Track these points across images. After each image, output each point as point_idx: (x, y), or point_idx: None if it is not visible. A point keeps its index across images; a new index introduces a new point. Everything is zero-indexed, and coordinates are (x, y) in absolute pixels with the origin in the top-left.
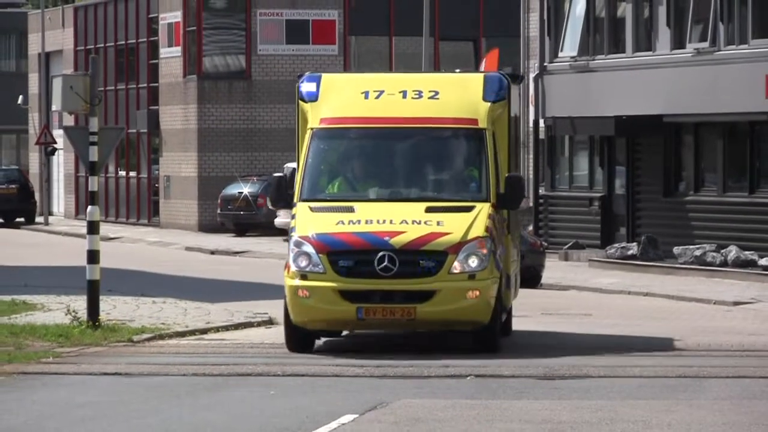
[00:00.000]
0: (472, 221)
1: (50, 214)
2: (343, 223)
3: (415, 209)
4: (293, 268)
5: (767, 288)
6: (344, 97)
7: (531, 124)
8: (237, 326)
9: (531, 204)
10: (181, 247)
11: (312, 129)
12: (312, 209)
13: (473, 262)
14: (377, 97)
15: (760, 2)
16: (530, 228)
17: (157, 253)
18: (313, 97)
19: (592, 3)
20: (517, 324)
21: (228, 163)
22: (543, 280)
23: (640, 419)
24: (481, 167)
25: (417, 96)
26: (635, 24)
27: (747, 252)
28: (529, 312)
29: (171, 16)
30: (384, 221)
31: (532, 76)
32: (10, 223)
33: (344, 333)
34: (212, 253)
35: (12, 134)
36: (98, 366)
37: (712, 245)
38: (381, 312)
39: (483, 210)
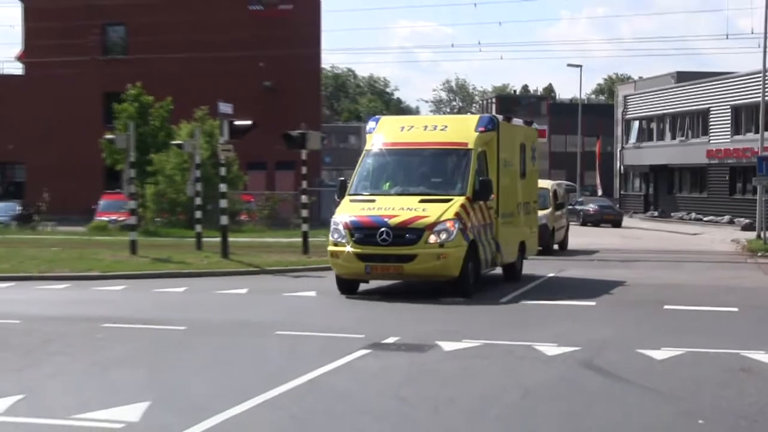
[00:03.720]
0: (446, 209)
1: None
2: (364, 209)
3: (413, 201)
4: (331, 239)
5: (706, 228)
6: (389, 130)
7: (619, 167)
8: None
9: (615, 198)
10: None
11: (366, 150)
12: (351, 201)
13: (443, 235)
14: (408, 130)
15: (703, 123)
16: (617, 205)
17: None
18: (372, 131)
19: (641, 124)
20: (603, 240)
21: None
22: (622, 225)
23: (643, 276)
24: (465, 173)
25: (433, 129)
26: (657, 130)
27: (699, 215)
28: (613, 235)
29: None
30: (389, 208)
31: (618, 150)
32: None
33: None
34: None
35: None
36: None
37: (686, 212)
38: (381, 269)
39: (458, 201)
